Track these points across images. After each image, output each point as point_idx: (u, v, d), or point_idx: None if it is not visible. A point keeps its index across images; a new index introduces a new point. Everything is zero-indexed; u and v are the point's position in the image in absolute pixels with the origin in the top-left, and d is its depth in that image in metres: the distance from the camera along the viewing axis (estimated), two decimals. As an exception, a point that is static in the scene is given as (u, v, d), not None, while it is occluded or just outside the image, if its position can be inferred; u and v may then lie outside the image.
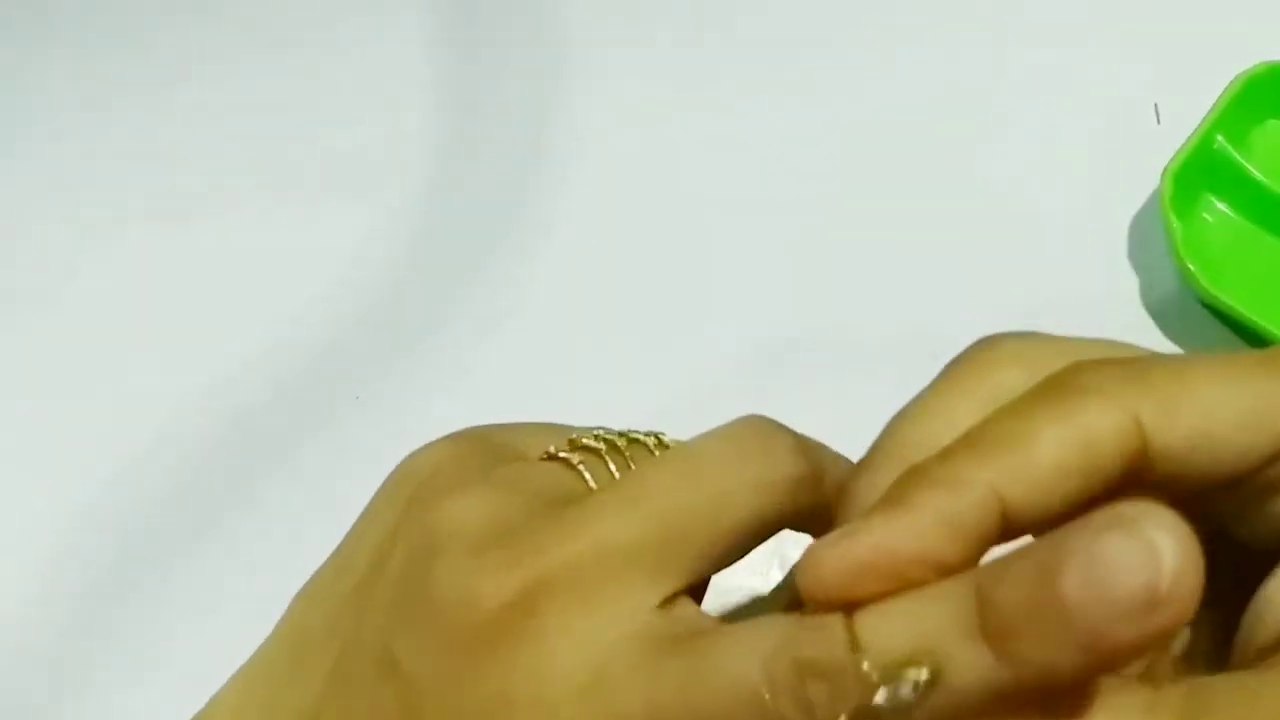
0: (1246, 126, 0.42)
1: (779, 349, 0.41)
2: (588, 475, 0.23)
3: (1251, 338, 0.40)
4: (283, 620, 0.26)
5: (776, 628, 0.19)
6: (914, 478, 0.19)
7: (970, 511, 0.19)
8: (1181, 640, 0.23)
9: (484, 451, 0.24)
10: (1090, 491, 0.19)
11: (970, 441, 0.20)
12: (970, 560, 0.19)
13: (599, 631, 0.20)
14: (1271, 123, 0.43)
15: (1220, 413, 0.20)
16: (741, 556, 0.23)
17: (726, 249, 0.43)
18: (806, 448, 0.23)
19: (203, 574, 0.38)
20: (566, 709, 0.20)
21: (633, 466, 0.24)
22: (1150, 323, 0.42)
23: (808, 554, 0.19)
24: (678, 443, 0.24)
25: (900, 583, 0.18)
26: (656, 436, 0.25)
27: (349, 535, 0.26)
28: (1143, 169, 0.42)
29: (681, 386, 0.40)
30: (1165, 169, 0.40)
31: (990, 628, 0.17)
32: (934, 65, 0.46)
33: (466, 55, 0.47)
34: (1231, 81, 0.42)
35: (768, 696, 0.18)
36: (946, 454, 0.20)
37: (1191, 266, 0.39)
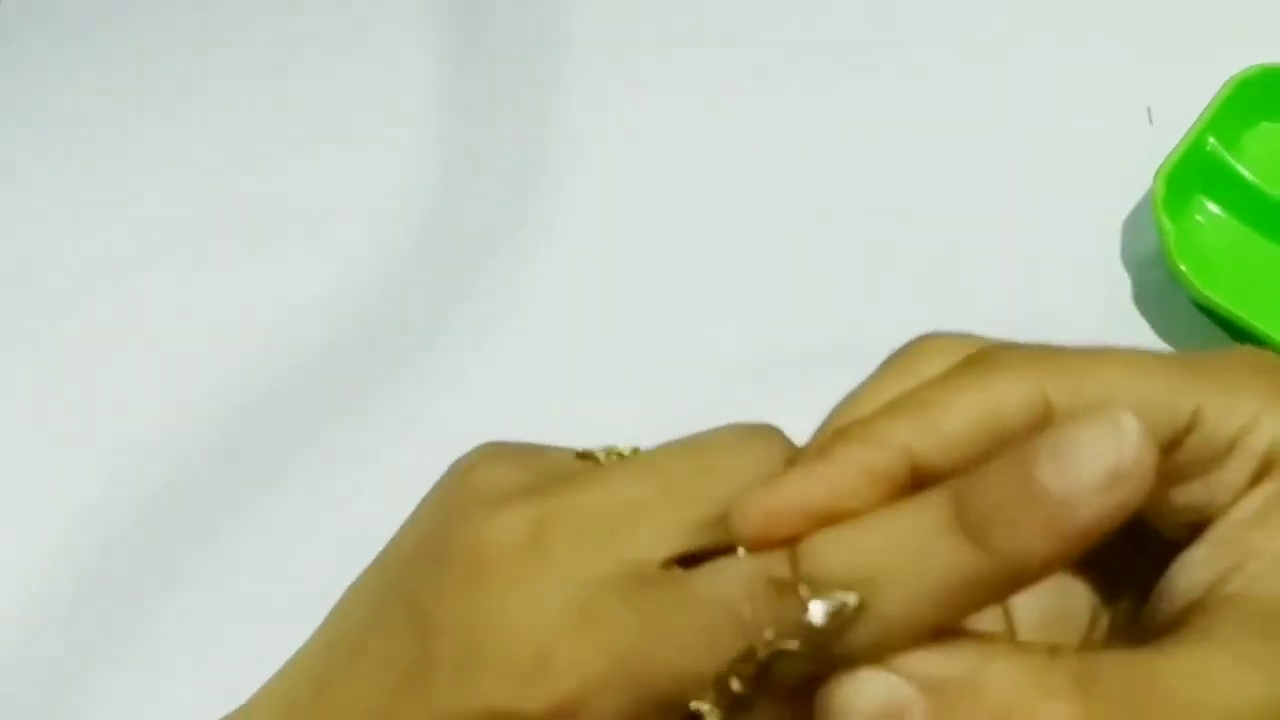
0: (1239, 129, 0.43)
1: (778, 349, 0.41)
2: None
3: (1243, 338, 0.40)
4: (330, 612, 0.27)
5: (745, 559, 0.21)
6: (836, 436, 0.22)
7: (883, 463, 0.21)
8: (1101, 625, 0.24)
9: (520, 450, 0.26)
10: (995, 454, 0.20)
11: (889, 407, 0.22)
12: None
13: (597, 570, 0.21)
14: (1264, 125, 0.43)
15: (1122, 397, 0.21)
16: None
17: (727, 253, 0.43)
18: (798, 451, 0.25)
19: (203, 575, 0.38)
20: (561, 637, 0.21)
21: None
22: (1143, 323, 0.42)
23: (736, 502, 0.21)
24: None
25: (817, 524, 0.20)
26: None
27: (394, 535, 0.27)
28: (1135, 171, 0.42)
29: (680, 391, 0.40)
30: (1158, 171, 0.41)
31: (969, 523, 0.19)
32: (928, 69, 0.46)
33: (469, 62, 0.47)
34: (1224, 84, 0.42)
35: (748, 611, 0.20)
36: (868, 418, 0.22)
37: (1183, 268, 0.39)
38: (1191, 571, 0.22)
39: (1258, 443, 0.21)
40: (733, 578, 0.21)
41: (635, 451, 0.25)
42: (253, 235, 0.44)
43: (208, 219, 0.44)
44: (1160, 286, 0.42)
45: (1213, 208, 0.43)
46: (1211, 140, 0.42)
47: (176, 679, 0.37)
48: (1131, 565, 0.23)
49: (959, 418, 0.21)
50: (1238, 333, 0.40)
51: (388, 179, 0.45)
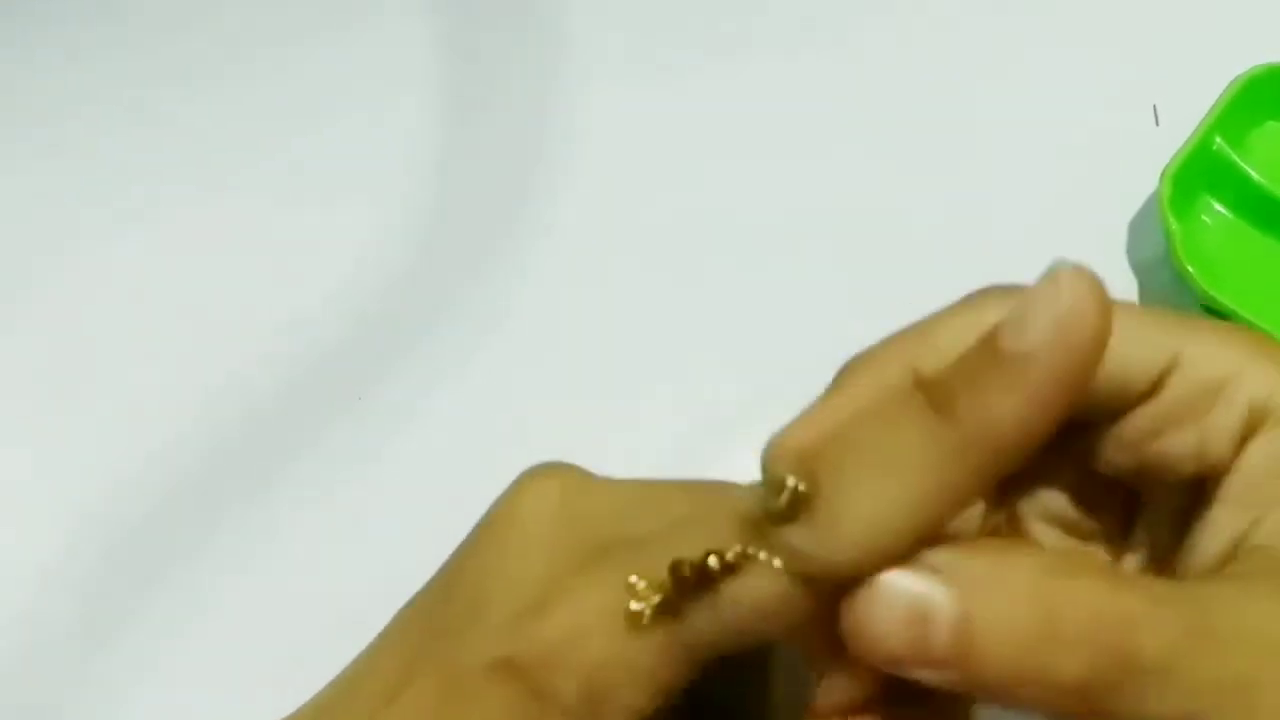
0: (1245, 128, 0.42)
1: (777, 346, 0.41)
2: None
3: (1250, 339, 0.40)
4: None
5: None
6: (844, 370, 0.23)
7: (893, 378, 0.22)
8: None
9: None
10: None
11: (888, 337, 0.24)
12: None
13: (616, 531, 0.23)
14: (1270, 124, 0.43)
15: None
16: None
17: (727, 248, 0.43)
18: None
19: (204, 574, 0.38)
20: (565, 579, 0.22)
21: None
22: (1149, 324, 0.42)
23: (770, 443, 0.21)
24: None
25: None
26: None
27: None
28: (1141, 170, 0.42)
29: (680, 389, 0.40)
30: (1164, 171, 0.40)
31: (936, 400, 0.20)
32: (932, 67, 0.46)
33: (467, 57, 0.47)
34: (1231, 83, 0.42)
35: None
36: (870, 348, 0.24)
37: (1190, 268, 0.39)
38: (1215, 530, 0.22)
39: (1241, 393, 0.22)
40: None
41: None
42: (252, 236, 0.44)
43: (208, 220, 0.44)
44: (1166, 287, 0.42)
45: (1219, 208, 0.42)
46: (1218, 140, 0.42)
47: (176, 679, 0.37)
48: (1139, 526, 0.24)
49: (950, 332, 0.22)
50: (1244, 334, 0.40)
51: (386, 180, 0.45)
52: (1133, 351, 0.22)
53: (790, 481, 0.20)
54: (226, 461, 0.40)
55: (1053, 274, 0.20)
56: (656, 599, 0.20)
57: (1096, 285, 0.20)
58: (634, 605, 0.21)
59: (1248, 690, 0.19)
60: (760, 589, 0.20)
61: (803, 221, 0.44)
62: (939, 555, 0.20)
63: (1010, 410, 0.19)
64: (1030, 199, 0.44)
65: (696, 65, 0.47)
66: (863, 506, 0.19)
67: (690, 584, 0.20)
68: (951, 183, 0.44)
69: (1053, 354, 0.19)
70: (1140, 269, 0.42)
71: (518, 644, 0.22)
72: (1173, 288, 0.42)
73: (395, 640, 0.25)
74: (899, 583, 0.19)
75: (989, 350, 0.20)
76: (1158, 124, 0.45)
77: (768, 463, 0.21)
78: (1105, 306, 0.20)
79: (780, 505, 0.20)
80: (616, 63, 0.47)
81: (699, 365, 0.40)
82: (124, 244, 0.44)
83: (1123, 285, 0.42)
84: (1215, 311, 0.40)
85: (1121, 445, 0.23)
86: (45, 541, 0.39)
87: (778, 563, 0.20)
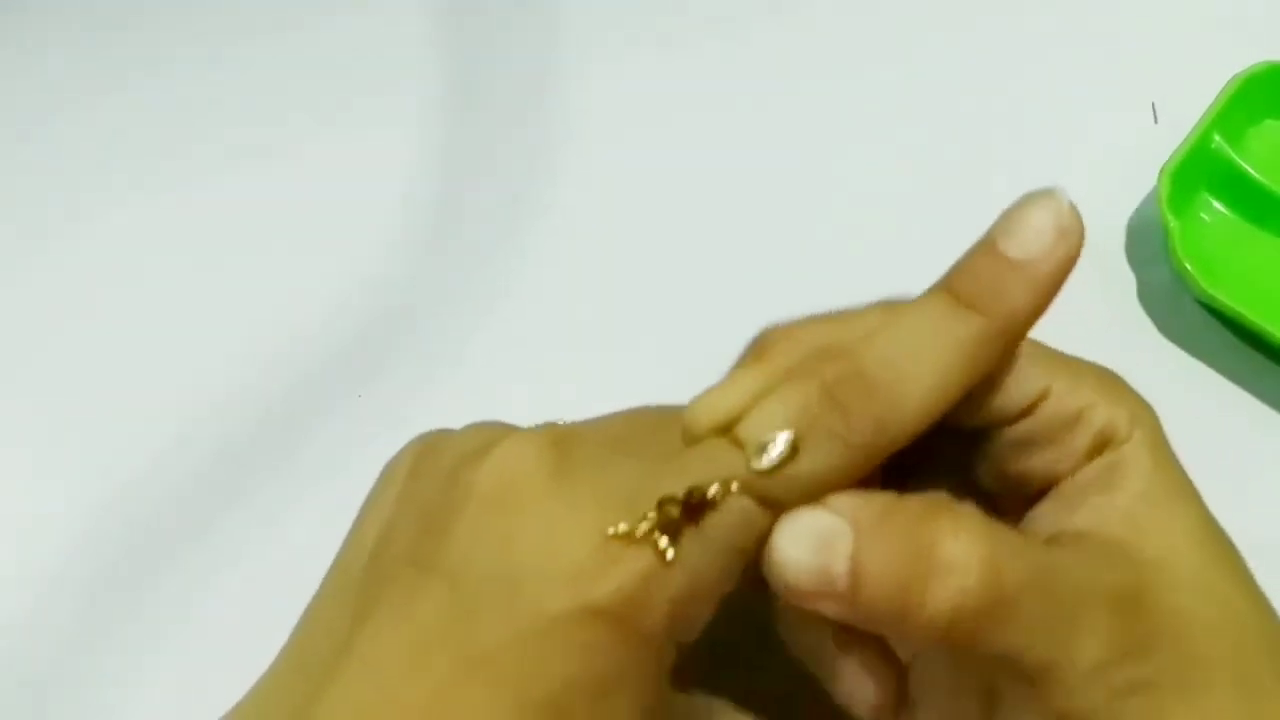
0: (1244, 126, 0.43)
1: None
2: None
3: (1248, 337, 0.40)
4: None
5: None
6: (762, 338, 0.27)
7: (807, 350, 0.25)
8: None
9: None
10: None
11: (805, 316, 0.27)
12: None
13: (624, 475, 0.25)
14: (1269, 122, 0.43)
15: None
16: None
17: (724, 240, 0.43)
18: None
19: (205, 572, 0.38)
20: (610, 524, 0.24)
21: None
22: (1147, 321, 0.42)
23: (688, 408, 0.25)
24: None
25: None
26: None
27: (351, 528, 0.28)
28: (1140, 168, 0.42)
29: (681, 379, 0.40)
30: (1162, 168, 0.41)
31: (967, 299, 0.25)
32: (931, 66, 0.46)
33: (466, 50, 0.47)
34: (1229, 81, 0.42)
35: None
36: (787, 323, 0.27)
37: (1188, 265, 0.39)
38: (1041, 520, 0.27)
39: (1094, 422, 0.26)
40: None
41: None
42: (253, 236, 0.44)
43: (208, 220, 0.44)
44: (1165, 284, 0.42)
45: (1218, 205, 0.43)
46: (1216, 138, 0.42)
47: (178, 678, 0.37)
48: None
49: (863, 321, 0.26)
50: (1242, 330, 0.40)
51: (384, 178, 0.45)
52: (1014, 380, 0.26)
53: (780, 444, 0.23)
54: (228, 460, 0.40)
55: (1046, 194, 0.25)
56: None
57: (1076, 210, 0.25)
58: (662, 543, 0.23)
59: (1072, 625, 0.23)
60: (737, 520, 0.24)
61: (802, 216, 0.44)
62: (841, 499, 0.24)
63: (1030, 304, 0.25)
64: (1029, 196, 0.44)
65: (695, 43, 0.47)
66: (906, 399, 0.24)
67: (682, 519, 0.23)
68: (950, 179, 0.44)
69: (1057, 259, 0.25)
70: (1139, 266, 0.43)
71: (594, 594, 0.23)
72: (1171, 284, 0.42)
73: (384, 630, 0.24)
74: (812, 517, 0.23)
75: (996, 258, 0.25)
76: (1156, 122, 0.45)
77: (694, 427, 0.25)
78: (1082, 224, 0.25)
79: (768, 464, 0.23)
80: (614, 44, 0.47)
81: (701, 355, 0.40)
82: (124, 244, 0.44)
83: (1121, 282, 0.42)
84: (1213, 308, 0.40)
85: (993, 457, 0.27)
86: (45, 542, 0.39)
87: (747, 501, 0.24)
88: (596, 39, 0.47)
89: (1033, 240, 0.25)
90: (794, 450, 0.23)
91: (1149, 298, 0.42)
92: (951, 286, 0.25)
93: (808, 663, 0.27)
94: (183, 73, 0.47)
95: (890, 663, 0.26)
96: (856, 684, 0.26)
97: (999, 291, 0.25)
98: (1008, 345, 0.25)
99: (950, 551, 0.23)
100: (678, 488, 0.23)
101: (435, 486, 0.25)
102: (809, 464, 0.23)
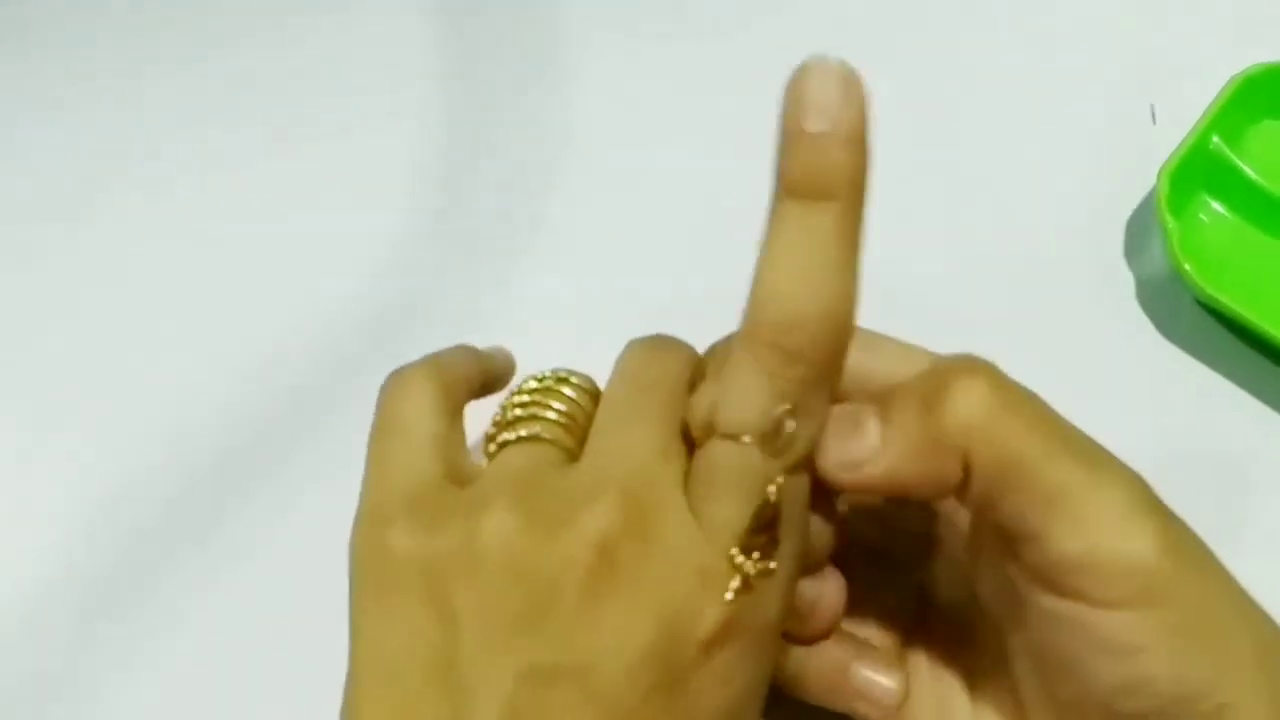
0: (1242, 127, 0.43)
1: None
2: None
3: (1247, 336, 0.40)
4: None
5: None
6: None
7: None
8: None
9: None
10: None
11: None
12: None
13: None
14: (1267, 123, 0.43)
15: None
16: None
17: (724, 238, 0.43)
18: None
19: (203, 572, 0.38)
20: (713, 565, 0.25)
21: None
22: (1146, 322, 0.42)
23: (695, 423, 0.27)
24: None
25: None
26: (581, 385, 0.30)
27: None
28: (1139, 169, 0.42)
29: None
30: (1161, 169, 0.41)
31: (808, 190, 0.27)
32: (931, 67, 0.46)
33: (466, 50, 0.47)
34: (1228, 82, 0.42)
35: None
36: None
37: (1187, 266, 0.39)
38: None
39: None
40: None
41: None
42: (253, 237, 0.44)
43: (210, 220, 0.44)
44: (1164, 285, 0.42)
45: (1216, 206, 0.43)
46: (1215, 138, 0.42)
47: (176, 678, 0.37)
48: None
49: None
50: (1241, 331, 0.40)
51: (385, 179, 0.45)
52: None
53: (789, 422, 0.25)
54: (228, 461, 0.40)
55: (811, 65, 0.26)
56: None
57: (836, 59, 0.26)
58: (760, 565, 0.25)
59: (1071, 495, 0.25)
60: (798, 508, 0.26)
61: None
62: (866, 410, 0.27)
63: (857, 163, 0.27)
64: (1028, 197, 0.44)
65: (695, 41, 0.47)
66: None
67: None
68: (949, 180, 0.44)
69: (853, 116, 0.27)
70: (1138, 266, 0.43)
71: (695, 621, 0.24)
72: (1169, 285, 0.42)
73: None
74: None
75: (809, 141, 0.26)
76: (1155, 122, 0.45)
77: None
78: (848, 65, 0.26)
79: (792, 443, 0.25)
80: (616, 54, 0.47)
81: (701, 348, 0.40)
82: (122, 244, 0.44)
83: (1119, 283, 0.42)
84: (1211, 309, 0.40)
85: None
86: (45, 542, 0.39)
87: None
88: (596, 38, 0.47)
89: (829, 104, 0.26)
90: (794, 413, 0.25)
91: (1147, 298, 0.42)
92: (792, 190, 0.26)
93: (819, 696, 0.30)
94: (200, 88, 0.47)
95: (894, 664, 0.30)
96: (869, 689, 0.29)
97: (831, 166, 0.26)
98: (861, 211, 0.27)
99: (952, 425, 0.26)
100: (741, 521, 0.25)
101: (508, 559, 0.25)
102: (805, 414, 0.25)
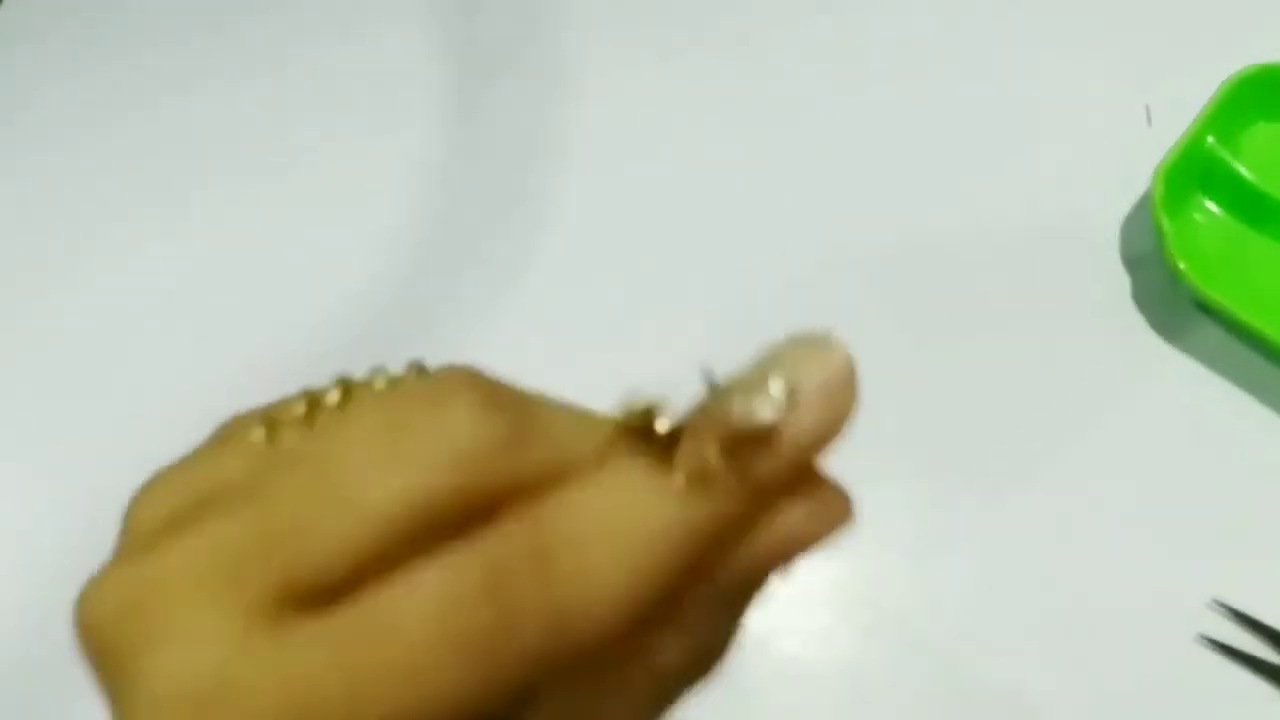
0: (1237, 127, 0.43)
1: (777, 333, 0.41)
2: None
3: (1241, 335, 0.41)
4: None
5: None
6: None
7: None
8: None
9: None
10: None
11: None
12: None
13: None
14: (1262, 124, 0.43)
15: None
16: None
17: (723, 241, 0.43)
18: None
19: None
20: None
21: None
22: (1142, 321, 0.42)
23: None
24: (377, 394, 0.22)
25: None
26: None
27: None
28: (1134, 169, 0.43)
29: (678, 386, 0.40)
30: (1156, 169, 0.41)
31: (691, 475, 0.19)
32: (928, 70, 0.46)
33: (470, 57, 0.48)
34: (1223, 83, 0.42)
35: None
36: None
37: (1182, 266, 0.40)
38: None
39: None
40: None
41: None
42: (254, 238, 0.44)
43: (210, 222, 0.45)
44: (1159, 285, 0.42)
45: (1211, 206, 0.43)
46: (1210, 139, 0.42)
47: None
48: None
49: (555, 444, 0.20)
50: (1236, 330, 0.40)
51: (386, 181, 0.45)
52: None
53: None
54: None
55: (815, 341, 0.20)
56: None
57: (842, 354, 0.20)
58: None
59: None
60: None
61: (800, 219, 0.44)
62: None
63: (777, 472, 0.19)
64: (1024, 197, 0.44)
65: (698, 50, 0.47)
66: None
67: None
68: (947, 181, 0.44)
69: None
70: (1133, 266, 0.43)
71: None
72: (1165, 285, 0.42)
73: None
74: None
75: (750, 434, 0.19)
76: (1150, 123, 0.45)
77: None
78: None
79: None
80: (619, 58, 0.47)
81: (699, 353, 0.41)
82: (125, 246, 0.44)
83: (1115, 283, 0.43)
84: (1207, 308, 0.40)
85: None
86: (45, 543, 0.39)
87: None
88: (598, 52, 0.47)
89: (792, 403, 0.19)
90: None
91: (1143, 298, 0.42)
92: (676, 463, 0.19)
93: None
94: (203, 92, 0.47)
95: None
96: None
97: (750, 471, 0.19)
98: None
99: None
100: None
101: None
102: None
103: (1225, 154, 0.42)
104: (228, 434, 0.22)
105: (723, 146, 0.45)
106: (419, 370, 0.23)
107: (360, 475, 0.18)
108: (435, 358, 0.41)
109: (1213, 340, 0.41)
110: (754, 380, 0.20)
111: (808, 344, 0.20)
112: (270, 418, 0.22)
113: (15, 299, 0.44)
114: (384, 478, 0.18)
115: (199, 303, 0.43)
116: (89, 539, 0.39)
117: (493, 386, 0.20)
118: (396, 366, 0.26)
